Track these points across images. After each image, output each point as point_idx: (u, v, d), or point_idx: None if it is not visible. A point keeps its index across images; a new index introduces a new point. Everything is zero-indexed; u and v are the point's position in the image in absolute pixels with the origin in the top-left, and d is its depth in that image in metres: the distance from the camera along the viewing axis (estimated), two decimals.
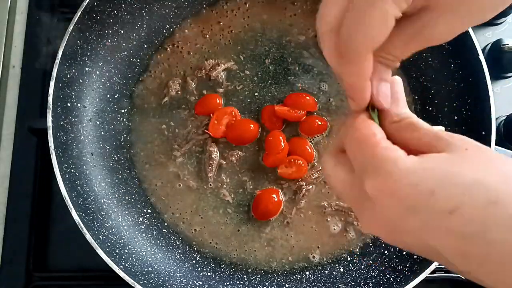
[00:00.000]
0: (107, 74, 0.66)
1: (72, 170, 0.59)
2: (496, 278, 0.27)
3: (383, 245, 0.62)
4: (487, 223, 0.26)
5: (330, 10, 0.30)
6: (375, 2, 0.28)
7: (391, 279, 0.58)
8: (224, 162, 0.66)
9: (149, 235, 0.63)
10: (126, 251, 0.58)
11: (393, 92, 0.33)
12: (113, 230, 0.60)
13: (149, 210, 0.65)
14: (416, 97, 0.67)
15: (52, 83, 0.58)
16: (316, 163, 0.65)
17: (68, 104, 0.62)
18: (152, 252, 0.61)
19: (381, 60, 0.32)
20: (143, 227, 0.63)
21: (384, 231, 0.31)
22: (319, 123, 0.65)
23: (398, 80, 0.34)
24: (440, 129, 0.32)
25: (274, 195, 0.64)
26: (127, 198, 0.64)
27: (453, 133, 0.31)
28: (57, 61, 0.59)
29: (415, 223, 0.28)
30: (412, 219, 0.28)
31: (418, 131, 0.31)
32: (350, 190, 0.33)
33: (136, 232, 0.62)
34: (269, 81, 0.69)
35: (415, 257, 0.58)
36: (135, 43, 0.69)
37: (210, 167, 0.65)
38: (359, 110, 0.33)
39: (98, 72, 0.65)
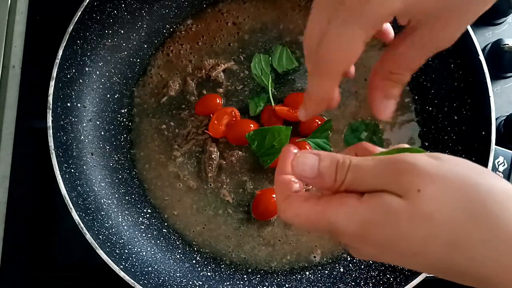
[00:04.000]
0: (107, 74, 0.66)
1: (72, 170, 0.59)
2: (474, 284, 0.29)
3: None
4: (449, 262, 0.28)
5: (312, 31, 0.34)
6: (344, 29, 0.31)
7: (391, 279, 0.58)
8: (224, 162, 0.66)
9: (149, 235, 0.63)
10: (126, 251, 0.58)
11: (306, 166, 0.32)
12: (113, 230, 0.60)
13: (149, 210, 0.65)
14: (416, 97, 0.67)
15: (52, 83, 0.58)
16: None
17: (68, 104, 0.62)
18: (152, 252, 0.61)
19: (392, 77, 0.34)
20: (143, 227, 0.63)
21: (370, 259, 0.35)
22: (319, 123, 0.65)
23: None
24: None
25: (274, 195, 0.64)
26: (127, 198, 0.64)
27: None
28: (57, 61, 0.59)
29: (389, 258, 0.31)
30: (385, 256, 0.31)
31: (366, 178, 0.30)
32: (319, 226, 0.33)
33: (136, 232, 0.62)
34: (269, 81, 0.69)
35: None
36: (135, 43, 0.69)
37: (210, 167, 0.65)
38: (304, 117, 0.39)
39: (98, 72, 0.65)
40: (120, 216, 0.62)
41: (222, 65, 0.68)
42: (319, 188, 0.33)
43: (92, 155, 0.64)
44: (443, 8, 0.31)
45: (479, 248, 0.26)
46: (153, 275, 0.58)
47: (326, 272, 0.62)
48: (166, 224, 0.65)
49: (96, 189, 0.62)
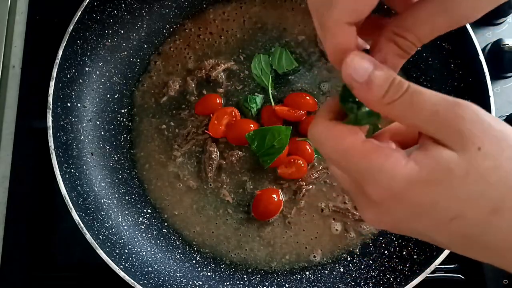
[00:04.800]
0: (107, 74, 0.66)
1: (72, 170, 0.59)
2: (494, 262, 0.29)
3: (383, 245, 0.62)
4: (487, 231, 0.27)
5: None
6: None
7: (391, 279, 0.58)
8: (224, 162, 0.66)
9: (149, 235, 0.63)
10: (126, 251, 0.58)
11: (361, 66, 0.28)
12: (113, 230, 0.60)
13: (149, 210, 0.65)
14: None
15: (52, 83, 0.58)
16: (316, 163, 0.65)
17: (68, 104, 0.62)
18: (152, 252, 0.61)
19: (399, 42, 0.29)
20: (143, 227, 0.63)
21: (389, 226, 0.31)
22: None
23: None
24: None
25: (274, 195, 0.64)
26: (127, 198, 0.64)
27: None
28: (57, 61, 0.59)
29: (419, 225, 0.29)
30: (416, 222, 0.29)
31: (422, 111, 0.27)
32: (349, 186, 0.32)
33: (136, 232, 0.62)
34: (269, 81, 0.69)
35: (415, 257, 0.58)
36: (135, 43, 0.69)
37: (210, 167, 0.65)
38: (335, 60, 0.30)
39: (98, 72, 0.65)
40: (120, 216, 0.62)
41: (222, 65, 0.68)
42: (364, 99, 0.28)
43: (92, 155, 0.64)
44: None
45: None
46: (153, 275, 0.58)
47: (326, 272, 0.62)
48: (166, 224, 0.65)
49: (96, 189, 0.62)
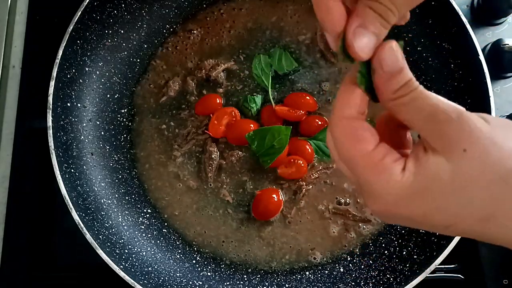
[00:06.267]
0: (107, 74, 0.66)
1: (72, 170, 0.59)
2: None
3: (383, 245, 0.62)
4: (482, 236, 0.28)
5: None
6: None
7: (391, 279, 0.58)
8: (224, 162, 0.66)
9: (149, 235, 0.63)
10: (126, 251, 0.58)
11: (393, 59, 0.28)
12: (113, 230, 0.60)
13: (149, 210, 0.65)
14: None
15: (52, 83, 0.58)
16: (316, 163, 0.65)
17: (68, 104, 0.62)
18: (152, 252, 0.61)
19: (374, 6, 0.28)
20: (143, 227, 0.63)
21: (388, 222, 0.34)
22: (319, 123, 0.65)
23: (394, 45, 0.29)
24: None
25: (274, 195, 0.64)
26: (127, 198, 0.64)
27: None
28: (57, 61, 0.59)
29: (417, 226, 0.31)
30: (413, 225, 0.30)
31: (421, 111, 0.28)
32: (354, 183, 0.33)
33: (136, 232, 0.62)
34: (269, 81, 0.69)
35: (415, 257, 0.58)
36: (135, 43, 0.69)
37: (210, 167, 0.65)
38: (332, 34, 0.30)
39: (98, 72, 0.65)
40: (120, 216, 0.62)
41: (222, 65, 0.68)
42: (380, 86, 0.29)
43: (92, 155, 0.64)
44: None
45: None
46: (153, 275, 0.58)
47: (326, 272, 0.62)
48: (166, 224, 0.65)
49: (96, 189, 0.62)
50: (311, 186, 0.64)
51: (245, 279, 0.62)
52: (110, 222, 0.60)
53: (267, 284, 0.61)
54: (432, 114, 0.27)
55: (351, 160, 0.30)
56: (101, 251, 0.54)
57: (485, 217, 0.27)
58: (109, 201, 0.62)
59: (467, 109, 0.28)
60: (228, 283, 0.61)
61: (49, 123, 0.58)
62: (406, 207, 0.28)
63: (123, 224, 0.62)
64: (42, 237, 0.67)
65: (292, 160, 0.63)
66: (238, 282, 0.61)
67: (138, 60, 0.69)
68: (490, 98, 0.58)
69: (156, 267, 0.59)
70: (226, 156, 0.66)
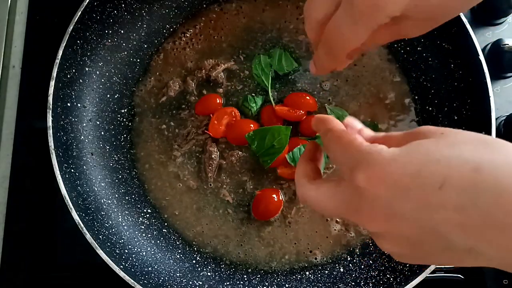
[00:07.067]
0: (107, 74, 0.66)
1: (72, 170, 0.59)
2: (499, 245, 0.27)
3: None
4: (476, 191, 0.27)
5: (319, 8, 0.37)
6: (352, 26, 0.34)
7: (391, 279, 0.58)
8: (224, 162, 0.66)
9: (149, 235, 0.63)
10: (126, 251, 0.58)
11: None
12: (113, 230, 0.60)
13: (149, 210, 0.65)
14: (416, 97, 0.67)
15: (52, 83, 0.58)
16: None
17: (68, 104, 0.62)
18: (152, 252, 0.61)
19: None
20: (143, 227, 0.63)
21: (384, 225, 0.31)
22: None
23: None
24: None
25: (274, 195, 0.64)
26: (127, 198, 0.64)
27: None
28: (57, 61, 0.59)
29: (409, 205, 0.29)
30: (405, 201, 0.29)
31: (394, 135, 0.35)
32: (342, 197, 0.34)
33: (136, 232, 0.62)
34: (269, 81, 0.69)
35: None
36: (135, 43, 0.69)
37: (210, 167, 0.65)
38: (313, 72, 0.43)
39: (98, 72, 0.65)
40: (120, 216, 0.62)
41: (222, 65, 0.68)
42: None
43: (92, 155, 0.64)
44: (441, 11, 0.35)
45: (504, 168, 0.27)
46: (153, 275, 0.58)
47: (326, 272, 0.62)
48: (166, 224, 0.65)
49: (96, 189, 0.62)
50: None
51: (245, 279, 0.62)
52: (110, 222, 0.60)
53: (267, 284, 0.61)
54: (404, 137, 0.34)
55: (347, 147, 0.35)
56: (101, 251, 0.54)
57: (475, 168, 0.27)
58: (109, 201, 0.62)
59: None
60: (228, 283, 0.61)
61: (49, 123, 0.58)
62: (399, 166, 0.30)
63: (123, 224, 0.62)
64: (42, 237, 0.67)
65: None
66: (238, 282, 0.61)
67: (138, 60, 0.69)
68: (490, 98, 0.58)
69: (156, 267, 0.59)
70: (226, 156, 0.66)
